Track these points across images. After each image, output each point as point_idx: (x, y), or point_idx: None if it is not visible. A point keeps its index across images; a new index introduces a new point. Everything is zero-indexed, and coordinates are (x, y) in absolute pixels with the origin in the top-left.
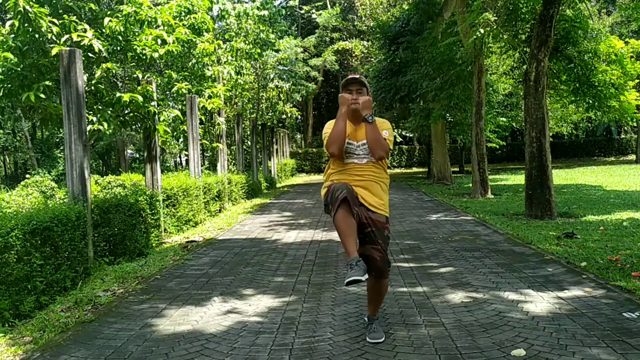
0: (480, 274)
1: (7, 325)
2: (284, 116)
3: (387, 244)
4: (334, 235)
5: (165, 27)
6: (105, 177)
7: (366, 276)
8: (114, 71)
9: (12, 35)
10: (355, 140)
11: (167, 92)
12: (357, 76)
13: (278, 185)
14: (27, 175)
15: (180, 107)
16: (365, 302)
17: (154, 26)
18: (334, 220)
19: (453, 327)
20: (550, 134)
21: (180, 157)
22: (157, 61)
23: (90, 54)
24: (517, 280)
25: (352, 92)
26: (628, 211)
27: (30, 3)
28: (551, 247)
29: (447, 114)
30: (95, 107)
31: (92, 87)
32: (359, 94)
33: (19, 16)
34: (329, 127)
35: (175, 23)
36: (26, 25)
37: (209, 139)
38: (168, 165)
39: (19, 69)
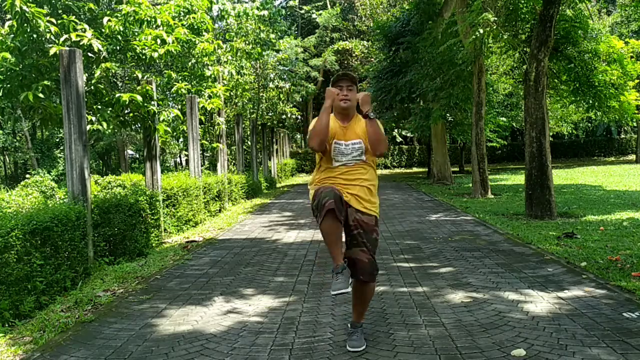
0: (480, 274)
1: (7, 325)
2: (284, 116)
3: (375, 246)
4: None
5: (165, 27)
6: (105, 177)
7: (350, 288)
8: (113, 71)
9: (12, 36)
10: (344, 139)
11: (167, 92)
12: (349, 72)
13: (278, 185)
14: (27, 175)
15: (180, 107)
16: None
17: (154, 26)
18: (320, 226)
19: (453, 327)
20: (550, 134)
21: (180, 157)
22: (157, 61)
23: (89, 54)
24: (517, 280)
25: (342, 88)
26: (628, 211)
27: (28, 3)
28: (551, 247)
29: (447, 114)
30: (94, 107)
31: (92, 87)
32: (350, 91)
33: (17, 16)
34: (315, 122)
35: (175, 23)
36: (25, 25)
37: (209, 139)
38: (168, 165)
39: (17, 69)
